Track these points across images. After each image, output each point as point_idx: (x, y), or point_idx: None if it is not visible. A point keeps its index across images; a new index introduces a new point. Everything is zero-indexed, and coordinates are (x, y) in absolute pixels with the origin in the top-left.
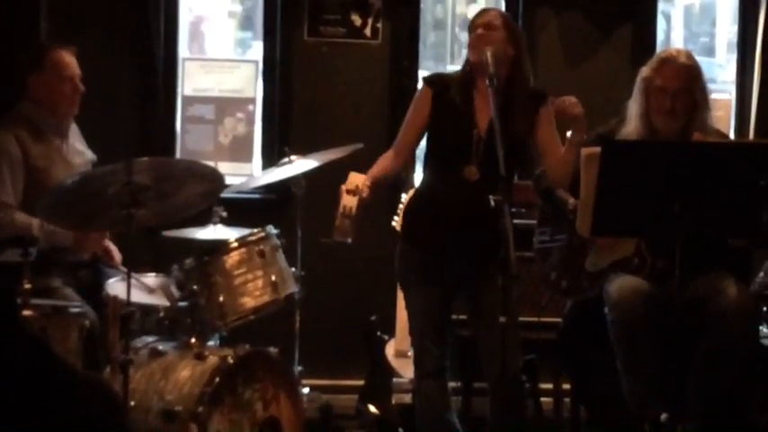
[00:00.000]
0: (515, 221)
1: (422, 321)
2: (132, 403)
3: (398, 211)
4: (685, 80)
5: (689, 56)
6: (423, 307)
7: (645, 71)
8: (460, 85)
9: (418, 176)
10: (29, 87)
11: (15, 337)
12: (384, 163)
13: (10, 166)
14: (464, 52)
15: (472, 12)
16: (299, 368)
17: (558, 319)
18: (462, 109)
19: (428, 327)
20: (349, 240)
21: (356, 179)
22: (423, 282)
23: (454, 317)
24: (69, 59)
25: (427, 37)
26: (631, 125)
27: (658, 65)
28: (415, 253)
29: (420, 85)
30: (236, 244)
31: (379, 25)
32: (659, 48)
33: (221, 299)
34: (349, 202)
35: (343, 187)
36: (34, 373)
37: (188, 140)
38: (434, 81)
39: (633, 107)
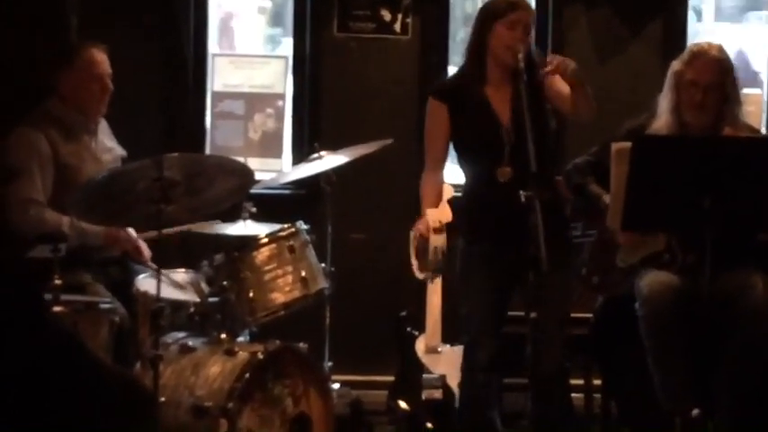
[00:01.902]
0: None
1: (481, 315)
2: (163, 399)
3: None
4: (717, 74)
5: (720, 50)
6: (484, 300)
7: (676, 65)
8: (478, 81)
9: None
10: (58, 85)
11: (46, 332)
12: (432, 184)
13: (39, 164)
14: None
15: None
16: (329, 364)
17: (589, 315)
18: (481, 110)
19: (486, 320)
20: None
21: (437, 215)
22: (483, 277)
23: None
24: (100, 58)
25: (457, 32)
26: (662, 120)
27: (689, 59)
28: (474, 250)
29: (429, 100)
30: (266, 240)
31: (409, 21)
32: (689, 43)
33: (251, 294)
34: (440, 241)
35: (420, 227)
36: (66, 368)
37: (218, 136)
38: (442, 92)
39: (664, 101)
